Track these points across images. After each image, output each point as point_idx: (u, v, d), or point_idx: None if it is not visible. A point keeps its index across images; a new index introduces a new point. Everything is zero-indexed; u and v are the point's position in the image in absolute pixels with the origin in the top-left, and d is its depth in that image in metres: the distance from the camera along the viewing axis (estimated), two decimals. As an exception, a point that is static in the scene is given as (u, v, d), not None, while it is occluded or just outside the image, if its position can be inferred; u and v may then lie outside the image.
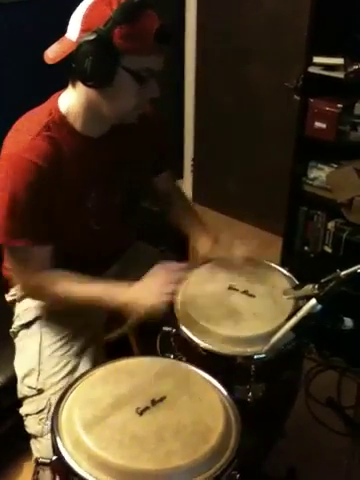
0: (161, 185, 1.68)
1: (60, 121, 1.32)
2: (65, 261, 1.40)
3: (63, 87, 1.35)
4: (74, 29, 1.22)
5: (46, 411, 1.37)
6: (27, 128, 1.31)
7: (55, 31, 1.27)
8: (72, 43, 1.21)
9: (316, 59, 2.37)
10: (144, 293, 1.32)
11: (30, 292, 1.48)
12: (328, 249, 2.71)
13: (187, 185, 3.56)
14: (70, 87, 1.33)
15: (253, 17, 2.92)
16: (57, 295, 1.39)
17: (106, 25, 1.16)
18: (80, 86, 1.28)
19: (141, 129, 1.45)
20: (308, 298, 1.05)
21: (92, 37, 1.16)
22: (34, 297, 1.50)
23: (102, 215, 1.45)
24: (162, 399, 1.08)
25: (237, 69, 3.09)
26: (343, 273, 1.04)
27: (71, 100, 1.33)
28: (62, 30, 1.26)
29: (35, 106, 1.37)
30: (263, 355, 1.18)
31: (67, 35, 1.25)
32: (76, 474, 0.94)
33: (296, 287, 1.28)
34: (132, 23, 1.17)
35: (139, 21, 1.18)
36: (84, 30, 1.19)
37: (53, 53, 1.26)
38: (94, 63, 1.18)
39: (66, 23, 1.25)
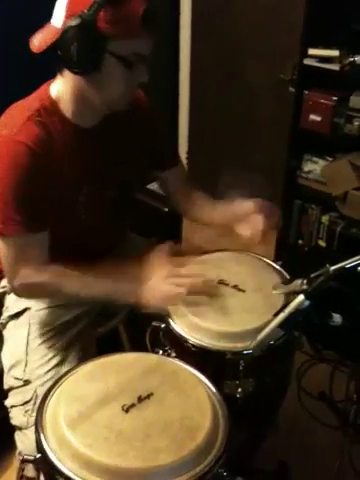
0: (172, 182, 1.63)
1: (51, 107, 1.30)
2: (56, 255, 1.37)
3: (53, 77, 1.33)
4: (59, 15, 1.20)
5: (32, 403, 1.35)
6: (18, 113, 1.29)
7: (41, 21, 1.25)
8: (57, 30, 1.19)
9: (311, 51, 2.36)
10: (153, 294, 1.29)
11: (25, 289, 1.38)
12: (322, 243, 2.71)
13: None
14: (58, 76, 1.31)
15: (246, 9, 2.90)
16: (57, 292, 1.36)
17: (90, 9, 1.13)
18: (68, 74, 1.26)
19: (134, 122, 1.43)
20: (297, 293, 1.04)
21: (76, 22, 1.14)
22: (29, 295, 1.44)
23: (94, 210, 1.42)
24: (149, 396, 1.06)
25: (231, 63, 3.07)
26: (332, 268, 1.02)
27: (61, 88, 1.31)
28: (48, 20, 1.24)
29: (24, 97, 1.35)
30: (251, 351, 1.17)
31: (52, 22, 1.23)
32: (60, 472, 0.93)
33: (285, 282, 1.27)
34: (117, 6, 1.15)
35: (124, 4, 1.15)
36: (69, 16, 1.17)
37: (38, 41, 1.23)
38: (80, 49, 1.16)
39: (51, 12, 1.23)
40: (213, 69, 3.18)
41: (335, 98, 2.39)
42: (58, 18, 1.20)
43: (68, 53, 1.17)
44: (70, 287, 1.34)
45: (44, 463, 0.97)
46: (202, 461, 0.97)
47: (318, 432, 1.97)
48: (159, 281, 1.30)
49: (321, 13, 2.27)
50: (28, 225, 1.29)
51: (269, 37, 2.82)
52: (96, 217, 1.44)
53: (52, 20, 1.23)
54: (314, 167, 2.60)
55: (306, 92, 2.44)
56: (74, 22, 1.14)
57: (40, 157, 1.25)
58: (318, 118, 2.43)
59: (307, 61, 2.37)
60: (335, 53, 2.31)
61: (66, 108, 1.31)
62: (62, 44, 1.17)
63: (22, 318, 1.50)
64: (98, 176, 1.40)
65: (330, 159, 2.56)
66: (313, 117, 2.44)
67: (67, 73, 1.26)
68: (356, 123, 2.37)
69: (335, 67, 2.31)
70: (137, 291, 1.31)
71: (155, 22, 1.20)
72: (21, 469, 1.03)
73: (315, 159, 2.60)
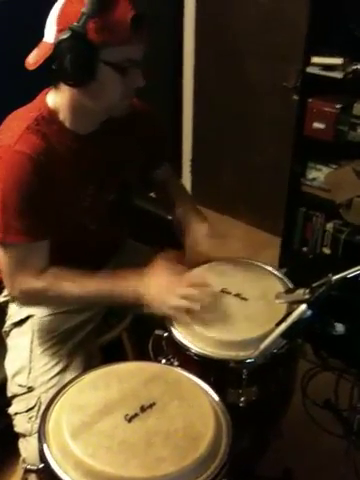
0: (162, 178, 1.66)
1: (50, 117, 1.32)
2: (57, 261, 1.37)
3: (49, 85, 1.35)
4: (51, 31, 1.22)
5: (36, 409, 1.35)
6: (16, 123, 1.30)
7: (32, 32, 1.25)
8: (50, 45, 1.21)
9: (314, 59, 2.36)
10: (159, 295, 1.29)
11: (26, 296, 1.38)
12: (327, 250, 2.70)
13: (186, 186, 3.54)
14: (54, 89, 1.33)
15: (249, 14, 2.90)
16: (58, 297, 1.35)
17: (79, 21, 1.15)
18: (64, 87, 1.27)
19: (132, 126, 1.44)
20: (299, 303, 1.04)
21: (67, 35, 1.16)
22: (30, 302, 1.44)
23: (96, 214, 1.44)
24: (152, 405, 1.07)
25: (234, 68, 3.07)
26: (334, 278, 1.03)
27: (57, 99, 1.33)
28: (40, 31, 1.25)
29: (21, 106, 1.36)
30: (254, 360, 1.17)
31: (45, 39, 1.25)
32: (63, 482, 0.94)
33: (288, 291, 1.27)
34: (105, 15, 1.17)
35: (112, 12, 1.17)
36: (60, 30, 1.19)
37: (33, 59, 1.25)
38: (73, 61, 1.17)
39: (43, 24, 1.24)
40: (217, 72, 3.17)
41: (339, 106, 2.39)
42: (50, 34, 1.22)
43: (62, 66, 1.19)
44: (70, 289, 1.33)
45: (47, 473, 0.97)
46: (205, 470, 0.97)
47: (323, 440, 1.96)
48: (164, 288, 1.29)
49: (324, 21, 2.28)
50: (29, 234, 1.29)
51: (271, 42, 2.81)
52: (99, 220, 1.45)
53: (44, 37, 1.25)
54: (318, 174, 2.60)
55: (310, 100, 2.44)
56: (65, 35, 1.16)
57: (40, 165, 1.26)
58: (322, 126, 2.43)
59: (310, 69, 2.38)
60: (338, 61, 2.31)
61: (64, 117, 1.33)
62: (56, 58, 1.19)
63: (25, 325, 1.50)
64: (98, 179, 1.41)
65: (334, 166, 2.56)
66: (317, 125, 2.45)
67: (63, 86, 1.27)
68: (360, 130, 2.37)
69: (338, 75, 2.31)
70: (139, 288, 1.31)
71: (144, 27, 1.21)
72: (24, 479, 1.03)
73: (319, 166, 2.60)
